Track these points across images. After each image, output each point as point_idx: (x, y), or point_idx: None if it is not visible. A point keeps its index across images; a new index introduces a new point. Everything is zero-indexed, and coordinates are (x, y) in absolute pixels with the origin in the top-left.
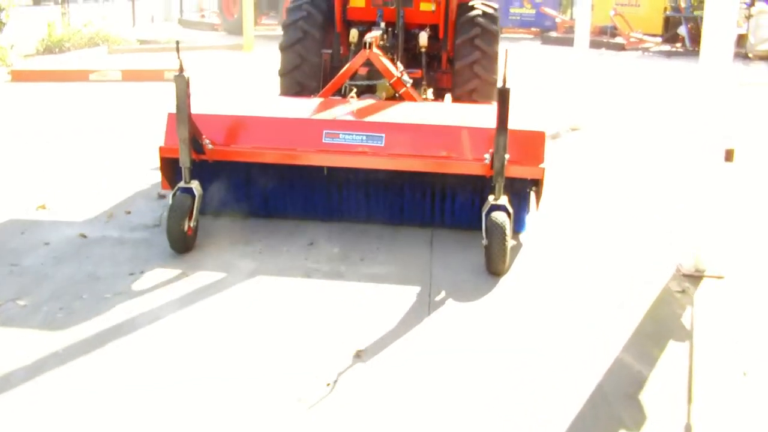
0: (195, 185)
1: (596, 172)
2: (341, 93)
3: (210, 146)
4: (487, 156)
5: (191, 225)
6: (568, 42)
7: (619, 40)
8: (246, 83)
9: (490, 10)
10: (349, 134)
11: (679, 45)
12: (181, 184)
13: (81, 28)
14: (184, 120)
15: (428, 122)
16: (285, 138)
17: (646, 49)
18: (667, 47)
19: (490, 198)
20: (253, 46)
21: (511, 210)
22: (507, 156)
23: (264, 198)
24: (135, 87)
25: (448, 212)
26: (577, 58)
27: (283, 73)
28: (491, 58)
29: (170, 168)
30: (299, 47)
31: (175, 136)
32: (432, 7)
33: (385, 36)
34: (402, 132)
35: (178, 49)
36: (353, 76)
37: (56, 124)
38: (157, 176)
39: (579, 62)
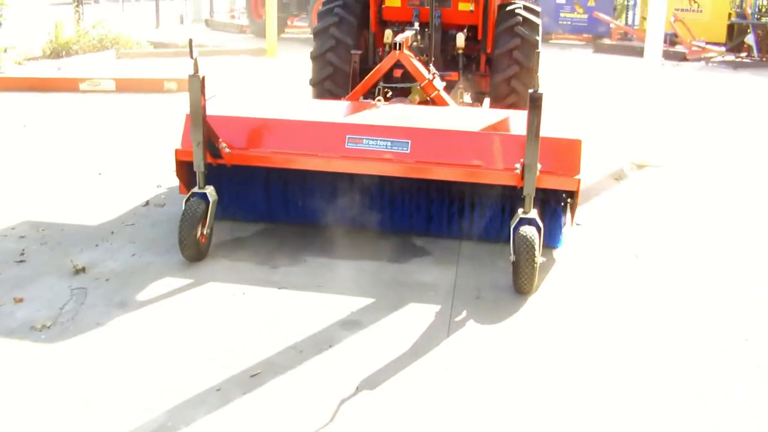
0: (210, 191)
1: (676, 234)
2: (374, 95)
3: (227, 150)
4: (518, 165)
5: (205, 232)
6: (622, 50)
7: (679, 48)
8: (260, 94)
9: (531, 17)
10: (373, 140)
11: (744, 54)
12: (195, 189)
13: (89, 29)
14: (198, 122)
15: (457, 128)
16: (306, 142)
17: (709, 59)
18: (731, 57)
19: (520, 211)
20: (277, 50)
21: (541, 224)
22: (539, 166)
23: (284, 204)
24: (129, 99)
25: (477, 223)
26: (647, 72)
27: (315, 83)
28: (531, 72)
29: (187, 171)
30: (331, 55)
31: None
32: (471, 7)
33: (418, 37)
34: (429, 138)
35: (191, 48)
36: (387, 78)
37: (13, 147)
38: (93, 231)
39: (649, 78)
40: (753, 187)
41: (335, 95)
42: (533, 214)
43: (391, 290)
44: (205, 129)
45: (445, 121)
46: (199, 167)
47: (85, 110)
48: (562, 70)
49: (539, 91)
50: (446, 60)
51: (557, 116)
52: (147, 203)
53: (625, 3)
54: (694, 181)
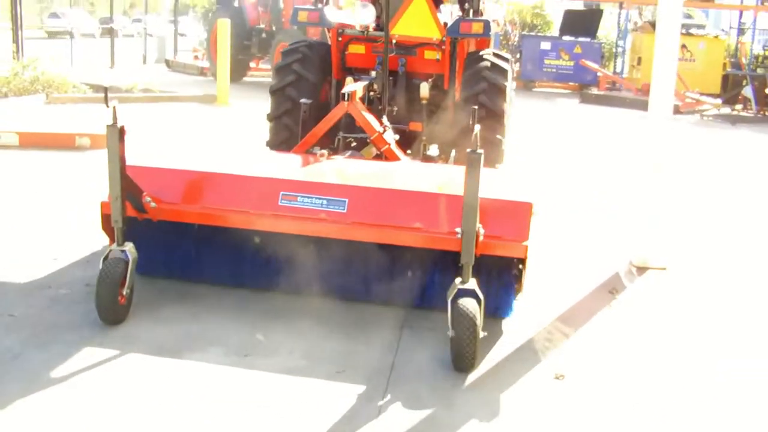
0: (129, 248)
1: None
2: (335, 147)
3: (152, 204)
4: (460, 230)
5: (124, 293)
6: (611, 101)
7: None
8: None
9: (500, 62)
10: (308, 197)
11: (740, 107)
12: (114, 246)
13: (19, 69)
14: (116, 175)
15: (398, 187)
16: (237, 198)
17: (703, 112)
18: (727, 110)
19: (457, 281)
20: (229, 98)
21: (481, 296)
22: (482, 231)
23: (211, 263)
24: (30, 158)
25: (421, 290)
26: (654, 133)
27: (272, 118)
28: (497, 117)
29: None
30: (291, 90)
31: None
32: (437, 55)
33: (375, 86)
34: (367, 197)
35: (106, 98)
36: (350, 128)
37: None
38: None
39: (655, 141)
40: None
41: (293, 131)
42: (472, 284)
43: None
44: (124, 182)
45: (388, 179)
46: (116, 223)
47: None
48: (544, 123)
49: (478, 151)
50: (414, 110)
51: (510, 176)
52: None
53: (614, 50)
54: (708, 292)
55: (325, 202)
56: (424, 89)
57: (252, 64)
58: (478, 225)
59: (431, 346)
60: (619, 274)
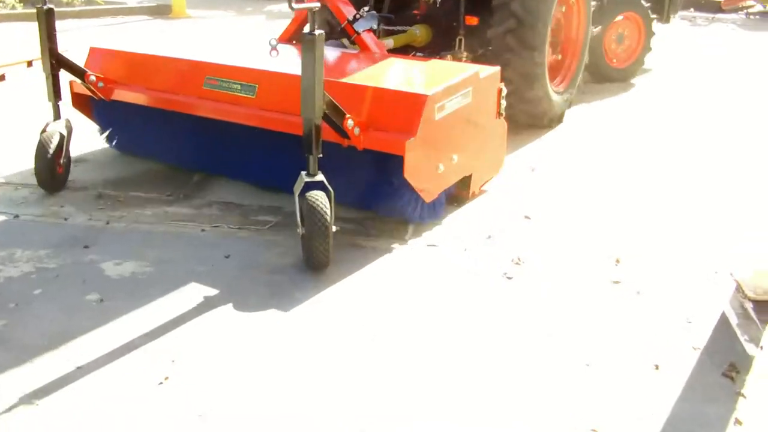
0: (65, 121)
1: None
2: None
3: (100, 84)
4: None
5: (61, 163)
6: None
7: None
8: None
9: None
10: (226, 82)
11: None
12: (50, 120)
13: None
14: (46, 53)
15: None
16: (170, 80)
17: (748, 9)
18: None
19: (303, 174)
20: (187, 9)
21: (331, 189)
22: (350, 122)
23: (154, 142)
24: None
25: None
26: None
27: None
28: (527, 26)
29: (83, 103)
30: None
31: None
32: None
33: None
34: (276, 83)
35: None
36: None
37: None
38: None
39: None
40: None
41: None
42: (320, 176)
43: None
44: (55, 61)
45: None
46: (49, 98)
47: None
48: None
49: (315, 32)
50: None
51: (445, 68)
52: None
53: None
54: None
55: (239, 86)
56: None
57: None
58: (347, 115)
59: None
60: (726, 316)
